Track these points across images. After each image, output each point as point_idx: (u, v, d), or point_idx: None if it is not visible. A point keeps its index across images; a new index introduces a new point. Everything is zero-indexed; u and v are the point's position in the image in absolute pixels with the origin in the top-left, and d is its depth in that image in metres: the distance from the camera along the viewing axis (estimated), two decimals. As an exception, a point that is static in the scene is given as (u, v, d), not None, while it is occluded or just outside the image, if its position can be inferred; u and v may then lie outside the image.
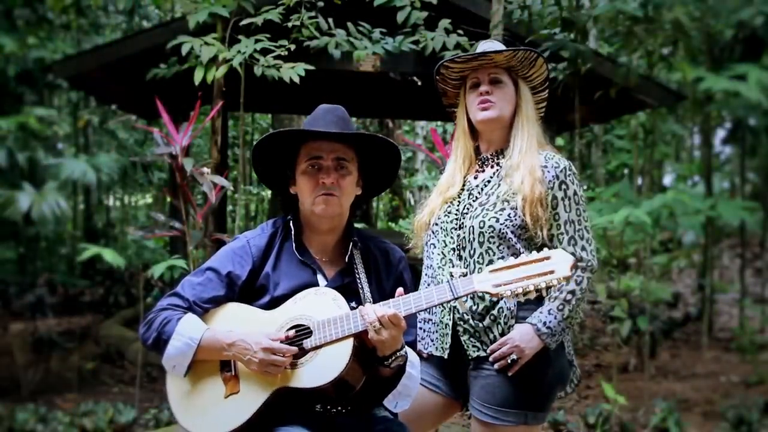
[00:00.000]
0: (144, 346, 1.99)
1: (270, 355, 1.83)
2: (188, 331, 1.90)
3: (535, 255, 1.86)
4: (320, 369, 1.85)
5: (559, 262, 1.83)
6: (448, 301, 1.91)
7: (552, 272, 1.82)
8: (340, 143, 2.00)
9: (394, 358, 1.90)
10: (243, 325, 1.93)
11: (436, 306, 1.95)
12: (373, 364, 1.93)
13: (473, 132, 2.30)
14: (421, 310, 1.90)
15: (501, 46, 2.27)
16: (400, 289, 1.91)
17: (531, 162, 2.14)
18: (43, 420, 4.53)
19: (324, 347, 1.87)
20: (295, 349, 1.86)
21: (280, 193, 2.15)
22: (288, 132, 2.03)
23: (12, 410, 4.62)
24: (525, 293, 1.84)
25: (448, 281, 1.90)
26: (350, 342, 1.86)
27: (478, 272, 2.07)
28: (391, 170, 2.14)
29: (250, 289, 2.01)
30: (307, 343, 1.89)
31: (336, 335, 1.86)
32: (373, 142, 2.05)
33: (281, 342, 1.86)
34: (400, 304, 1.87)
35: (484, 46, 2.30)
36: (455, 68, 2.27)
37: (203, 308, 1.97)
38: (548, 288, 1.85)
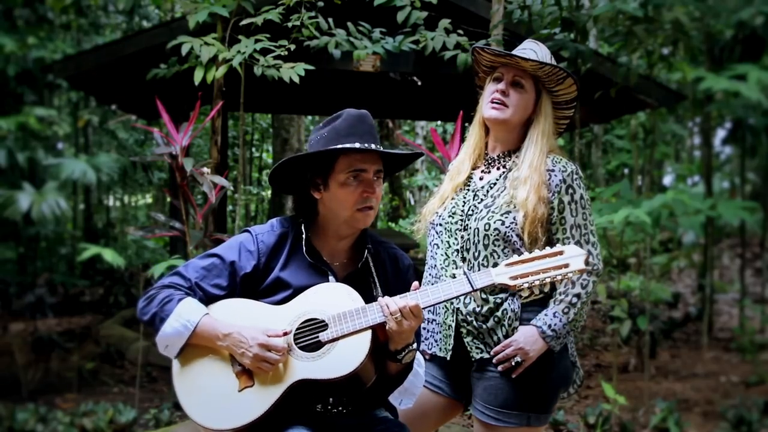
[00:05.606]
0: (140, 320, 1.98)
1: (265, 352, 1.83)
2: (187, 314, 1.88)
3: (548, 249, 1.90)
4: (339, 360, 1.85)
5: (572, 256, 1.89)
6: (467, 294, 1.91)
7: (566, 266, 1.88)
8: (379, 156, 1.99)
9: (406, 351, 1.90)
10: (254, 319, 1.91)
11: (455, 298, 1.96)
12: (383, 361, 1.94)
13: (486, 125, 2.29)
14: (439, 303, 1.90)
15: (544, 50, 2.23)
16: (415, 283, 1.91)
17: (538, 179, 2.11)
18: (43, 420, 4.53)
19: (341, 339, 1.87)
20: (285, 346, 1.85)
21: (297, 195, 2.09)
22: (341, 149, 1.92)
23: (12, 410, 4.61)
24: (541, 286, 1.88)
25: (465, 273, 1.90)
26: (368, 334, 1.86)
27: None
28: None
29: (257, 287, 1.99)
30: (324, 336, 1.88)
31: (354, 327, 1.86)
32: (405, 158, 2.09)
33: (278, 336, 1.85)
34: (418, 296, 1.88)
35: (529, 45, 2.26)
36: (486, 57, 2.26)
37: (204, 292, 1.95)
38: (564, 281, 1.89)
